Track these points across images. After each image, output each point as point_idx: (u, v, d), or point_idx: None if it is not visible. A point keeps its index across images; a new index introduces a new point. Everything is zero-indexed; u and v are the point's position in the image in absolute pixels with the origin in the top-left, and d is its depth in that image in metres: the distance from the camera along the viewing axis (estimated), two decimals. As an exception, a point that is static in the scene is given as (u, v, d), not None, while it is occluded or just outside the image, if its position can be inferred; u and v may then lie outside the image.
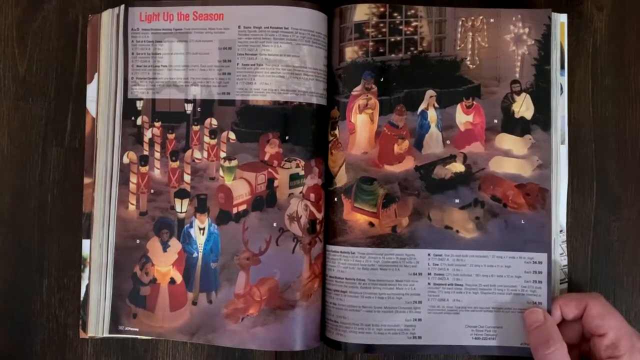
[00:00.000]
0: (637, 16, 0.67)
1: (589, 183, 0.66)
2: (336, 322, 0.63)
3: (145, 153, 0.66)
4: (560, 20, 0.65)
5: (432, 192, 0.64)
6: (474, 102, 0.64)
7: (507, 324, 0.62)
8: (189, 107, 0.66)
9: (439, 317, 0.63)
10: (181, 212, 0.65)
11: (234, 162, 0.65)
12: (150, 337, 0.65)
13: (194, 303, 0.64)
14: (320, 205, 0.65)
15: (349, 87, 0.65)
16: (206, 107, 0.65)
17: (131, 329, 0.65)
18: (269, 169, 0.64)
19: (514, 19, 0.64)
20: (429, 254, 0.63)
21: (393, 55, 0.65)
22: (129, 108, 0.66)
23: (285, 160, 0.64)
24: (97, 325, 0.65)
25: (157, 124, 0.66)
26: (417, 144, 0.65)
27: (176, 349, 0.67)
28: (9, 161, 0.69)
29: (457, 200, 0.64)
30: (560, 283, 0.64)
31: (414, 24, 0.65)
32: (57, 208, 0.68)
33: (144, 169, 0.66)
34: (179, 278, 0.65)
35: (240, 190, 0.65)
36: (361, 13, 0.65)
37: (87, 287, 0.66)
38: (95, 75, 0.67)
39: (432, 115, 0.65)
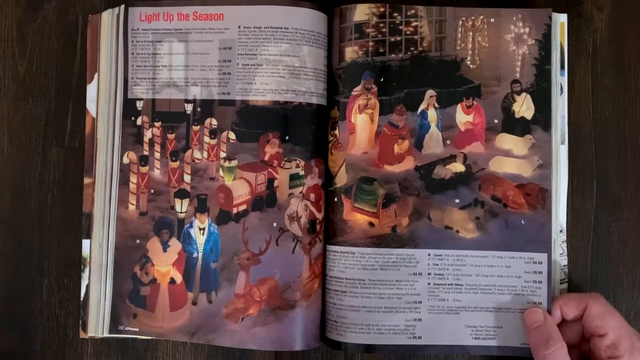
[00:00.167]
0: (637, 16, 0.67)
1: (589, 183, 0.66)
2: (336, 322, 0.63)
3: (145, 153, 0.66)
4: (560, 20, 0.65)
5: (432, 192, 0.64)
6: (474, 102, 0.64)
7: (507, 324, 0.62)
8: (189, 107, 0.66)
9: (439, 317, 0.63)
10: (181, 212, 0.65)
11: (234, 162, 0.65)
12: (150, 337, 0.65)
13: (194, 303, 0.64)
14: (320, 205, 0.65)
15: (349, 87, 0.65)
16: (206, 107, 0.65)
17: (131, 329, 0.65)
18: (269, 169, 0.64)
19: (514, 18, 0.64)
20: (429, 254, 0.63)
21: (393, 55, 0.65)
22: (129, 108, 0.66)
23: (285, 160, 0.64)
24: (97, 325, 0.65)
25: (157, 124, 0.66)
26: (417, 144, 0.65)
27: (176, 349, 0.67)
28: (9, 161, 0.69)
29: (457, 200, 0.64)
30: (560, 283, 0.64)
31: (414, 24, 0.65)
32: (57, 208, 0.68)
33: (144, 169, 0.66)
34: (179, 278, 0.65)
35: (240, 190, 0.65)
36: (361, 13, 0.65)
37: (87, 287, 0.66)
38: (95, 75, 0.67)
39: (432, 115, 0.65)
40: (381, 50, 0.65)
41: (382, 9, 0.65)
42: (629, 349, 0.56)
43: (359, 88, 0.65)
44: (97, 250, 0.66)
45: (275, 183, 0.64)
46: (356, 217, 0.64)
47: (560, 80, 0.64)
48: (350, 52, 0.65)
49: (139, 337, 0.65)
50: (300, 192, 0.64)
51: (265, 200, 0.64)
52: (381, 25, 0.65)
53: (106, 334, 0.65)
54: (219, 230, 0.65)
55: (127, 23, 0.66)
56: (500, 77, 0.64)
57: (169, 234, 0.65)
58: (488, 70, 0.65)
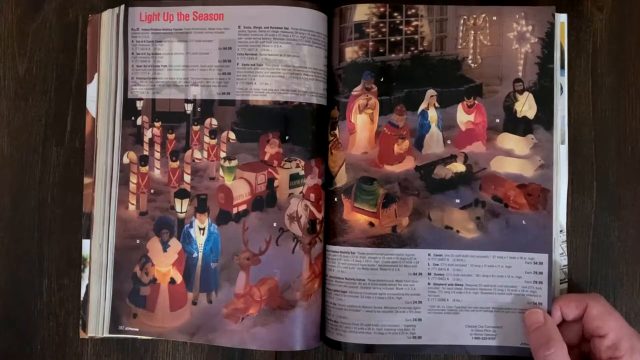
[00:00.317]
0: (637, 16, 0.67)
1: (589, 183, 0.66)
2: (336, 322, 0.63)
3: (145, 153, 0.66)
4: (560, 20, 0.65)
5: (432, 192, 0.64)
6: (476, 102, 0.64)
7: (507, 324, 0.62)
8: (189, 107, 0.66)
9: (439, 317, 0.63)
10: (181, 212, 0.65)
11: (234, 162, 0.65)
12: (150, 337, 0.65)
13: (194, 303, 0.64)
14: (320, 205, 0.65)
15: (349, 87, 0.65)
16: (206, 107, 0.65)
17: (131, 329, 0.65)
18: (269, 169, 0.64)
19: (517, 16, 0.64)
20: (429, 254, 0.63)
21: (393, 55, 0.65)
22: (129, 108, 0.66)
23: (285, 160, 0.64)
24: (97, 325, 0.65)
25: (157, 124, 0.66)
26: (418, 144, 0.65)
27: (176, 349, 0.67)
28: (9, 161, 0.69)
29: (457, 201, 0.64)
30: (560, 283, 0.64)
31: (414, 23, 0.65)
32: (57, 208, 0.68)
33: (144, 169, 0.66)
34: (179, 278, 0.65)
35: (240, 190, 0.65)
36: (361, 13, 0.65)
37: (87, 287, 0.66)
38: (95, 75, 0.67)
39: (432, 115, 0.65)
40: (381, 50, 0.65)
41: (382, 9, 0.65)
42: (629, 350, 0.56)
43: (359, 88, 0.64)
44: (97, 250, 0.66)
45: (275, 183, 0.64)
46: (356, 217, 0.64)
47: (560, 80, 0.64)
48: (350, 52, 0.65)
49: (139, 337, 0.65)
50: (300, 192, 0.64)
51: (265, 200, 0.64)
52: (381, 25, 0.65)
53: (106, 334, 0.65)
54: (219, 230, 0.64)
55: (127, 23, 0.66)
56: (502, 76, 0.64)
57: (169, 234, 0.65)
58: (490, 69, 0.64)
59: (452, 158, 0.64)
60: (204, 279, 0.64)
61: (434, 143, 0.65)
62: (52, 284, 0.68)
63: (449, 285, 0.63)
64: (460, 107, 0.65)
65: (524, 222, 0.63)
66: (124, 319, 0.65)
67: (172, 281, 0.65)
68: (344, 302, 0.63)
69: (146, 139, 0.66)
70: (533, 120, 0.64)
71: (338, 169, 0.65)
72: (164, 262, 0.65)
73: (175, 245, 0.65)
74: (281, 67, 0.64)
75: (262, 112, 0.64)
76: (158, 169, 0.66)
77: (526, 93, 0.64)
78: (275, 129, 0.64)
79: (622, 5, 0.67)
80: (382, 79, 0.64)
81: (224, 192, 0.65)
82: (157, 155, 0.66)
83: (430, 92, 0.65)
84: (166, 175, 0.66)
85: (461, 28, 0.65)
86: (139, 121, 0.66)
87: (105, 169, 0.66)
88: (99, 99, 0.67)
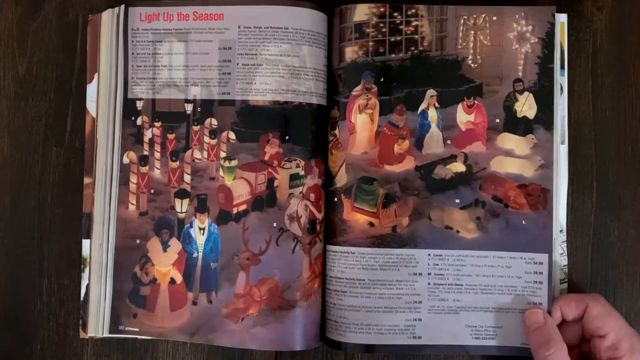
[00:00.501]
0: (637, 16, 0.67)
1: (589, 183, 0.66)
2: (336, 322, 0.63)
3: (145, 153, 0.66)
4: (560, 20, 0.65)
5: (432, 192, 0.64)
6: (476, 102, 0.64)
7: (507, 324, 0.62)
8: (189, 107, 0.66)
9: (439, 317, 0.63)
10: (181, 212, 0.65)
11: (234, 162, 0.65)
12: (150, 337, 0.65)
13: (194, 303, 0.64)
14: (320, 205, 0.65)
15: (349, 87, 0.65)
16: (206, 107, 0.65)
17: (131, 329, 0.65)
18: (269, 169, 0.64)
19: (517, 16, 0.64)
20: (429, 254, 0.63)
21: (393, 55, 0.65)
22: (129, 108, 0.66)
23: (285, 160, 0.64)
24: (97, 325, 0.65)
25: (157, 124, 0.66)
26: (418, 144, 0.65)
27: (176, 349, 0.67)
28: (9, 161, 0.69)
29: (457, 201, 0.64)
30: (560, 283, 0.64)
31: (414, 23, 0.65)
32: (57, 208, 0.68)
33: (144, 169, 0.66)
34: (179, 278, 0.65)
35: (240, 190, 0.65)
36: (361, 13, 0.65)
37: (87, 287, 0.66)
38: (95, 75, 0.67)
39: (432, 115, 0.65)
40: (381, 50, 0.65)
41: (382, 9, 0.65)
42: (629, 350, 0.56)
43: (359, 88, 0.64)
44: (97, 250, 0.66)
45: (275, 183, 0.64)
46: (356, 217, 0.64)
47: (560, 80, 0.64)
48: (350, 52, 0.65)
49: (139, 337, 0.65)
50: (300, 192, 0.64)
51: (265, 200, 0.64)
52: (381, 25, 0.65)
53: (106, 334, 0.65)
54: (219, 230, 0.64)
55: (127, 23, 0.66)
56: (503, 76, 0.64)
57: (169, 234, 0.65)
58: (490, 69, 0.64)
59: (452, 158, 0.64)
60: (204, 279, 0.64)
61: (434, 143, 0.65)
62: (52, 284, 0.68)
63: (449, 285, 0.63)
64: (460, 107, 0.65)
65: (524, 222, 0.63)
66: (124, 319, 0.65)
67: (172, 281, 0.65)
68: (344, 302, 0.63)
69: (146, 139, 0.66)
70: (533, 120, 0.64)
71: (338, 169, 0.65)
72: (164, 262, 0.65)
73: (175, 245, 0.65)
74: (281, 67, 0.64)
75: (262, 112, 0.64)
76: (158, 169, 0.66)
77: (526, 93, 0.64)
78: (275, 129, 0.64)
79: (622, 5, 0.67)
80: (382, 79, 0.64)
81: (224, 192, 0.65)
82: (157, 155, 0.66)
83: (430, 92, 0.65)
84: (166, 175, 0.66)
85: (461, 28, 0.65)
86: (139, 121, 0.66)
87: (105, 169, 0.66)
88: (99, 99, 0.67)
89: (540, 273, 0.62)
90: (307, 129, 0.64)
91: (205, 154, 0.65)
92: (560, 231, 0.64)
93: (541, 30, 0.64)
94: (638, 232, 0.65)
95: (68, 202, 0.68)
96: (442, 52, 0.65)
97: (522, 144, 0.64)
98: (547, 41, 0.64)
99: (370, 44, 0.65)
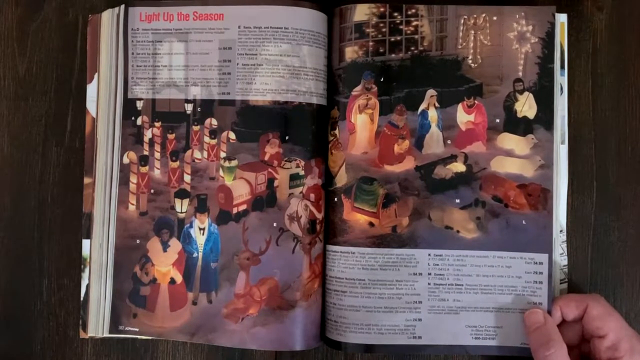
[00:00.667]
0: (637, 16, 0.67)
1: (589, 183, 0.66)
2: (336, 322, 0.63)
3: (145, 153, 0.66)
4: (560, 20, 0.65)
5: (432, 192, 0.64)
6: (476, 102, 0.64)
7: (507, 324, 0.62)
8: (189, 107, 0.66)
9: (439, 317, 0.63)
10: (181, 212, 0.65)
11: (234, 162, 0.65)
12: (150, 337, 0.65)
13: (194, 303, 0.64)
14: (320, 205, 0.65)
15: (349, 87, 0.65)
16: (206, 107, 0.65)
17: (131, 329, 0.65)
18: (269, 169, 0.64)
19: (517, 16, 0.64)
20: (429, 254, 0.63)
21: (393, 55, 0.65)
22: (129, 108, 0.66)
23: (285, 160, 0.64)
24: (97, 325, 0.65)
25: (157, 124, 0.66)
26: (418, 144, 0.65)
27: (176, 349, 0.67)
28: (9, 161, 0.69)
29: (457, 201, 0.64)
30: (560, 283, 0.64)
31: (414, 23, 0.65)
32: (57, 208, 0.68)
33: (144, 169, 0.66)
34: (179, 278, 0.65)
35: (240, 190, 0.65)
36: (361, 13, 0.65)
37: (87, 287, 0.66)
38: (95, 75, 0.67)
39: (432, 115, 0.65)
40: (381, 50, 0.65)
41: (382, 9, 0.65)
42: (628, 351, 0.56)
43: (359, 88, 0.64)
44: (97, 250, 0.66)
45: (275, 183, 0.64)
46: (356, 217, 0.64)
47: (560, 80, 0.64)
48: (350, 52, 0.65)
49: (139, 337, 0.65)
50: (300, 192, 0.64)
51: (265, 200, 0.64)
52: (381, 25, 0.65)
53: (106, 334, 0.65)
54: (219, 230, 0.64)
55: (127, 23, 0.66)
56: (503, 76, 0.64)
57: (169, 234, 0.65)
58: (490, 69, 0.64)
59: (452, 158, 0.64)
60: (204, 279, 0.64)
61: (434, 143, 0.65)
62: (52, 284, 0.68)
63: (449, 285, 0.63)
64: (460, 107, 0.65)
65: (524, 222, 0.63)
66: (124, 319, 0.65)
67: (172, 281, 0.65)
68: (344, 302, 0.63)
69: (146, 139, 0.66)
70: (533, 120, 0.64)
71: (338, 169, 0.65)
72: (164, 262, 0.65)
73: (175, 245, 0.65)
74: (281, 67, 0.64)
75: (262, 112, 0.64)
76: (158, 169, 0.66)
77: (526, 93, 0.64)
78: (275, 129, 0.64)
79: (622, 5, 0.67)
80: (382, 79, 0.64)
81: (224, 192, 0.65)
82: (157, 155, 0.66)
83: (430, 92, 0.65)
84: (166, 175, 0.66)
85: (461, 28, 0.65)
86: (139, 121, 0.66)
87: (105, 169, 0.66)
88: (99, 99, 0.67)
89: (540, 273, 0.62)
90: (307, 129, 0.64)
91: (205, 154, 0.65)
92: (560, 231, 0.64)
93: (541, 30, 0.64)
94: (638, 232, 0.65)
95: (68, 202, 0.68)
96: (442, 52, 0.65)
97: (522, 144, 0.64)
98: (547, 41, 0.64)
99: (370, 44, 0.65)
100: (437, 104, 0.65)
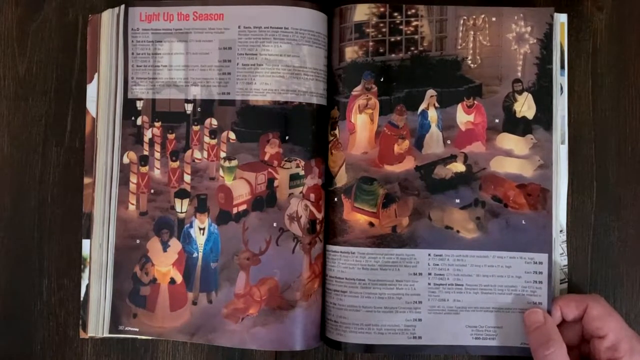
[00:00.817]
0: (637, 16, 0.67)
1: (589, 183, 0.66)
2: (336, 322, 0.63)
3: (145, 153, 0.66)
4: (560, 20, 0.65)
5: (432, 192, 0.64)
6: (475, 102, 0.64)
7: (507, 324, 0.62)
8: (189, 107, 0.66)
9: (439, 317, 0.63)
10: (181, 212, 0.65)
11: (234, 162, 0.65)
12: (150, 337, 0.65)
13: (194, 303, 0.64)
14: (320, 205, 0.65)
15: (349, 87, 0.65)
16: (206, 107, 0.65)
17: (131, 329, 0.65)
18: (269, 169, 0.64)
19: (516, 17, 0.64)
20: (429, 254, 0.63)
21: (393, 55, 0.65)
22: (129, 108, 0.66)
23: (285, 160, 0.64)
24: (97, 325, 0.65)
25: (157, 124, 0.66)
26: (418, 144, 0.65)
27: (176, 349, 0.67)
28: (9, 161, 0.69)
29: (457, 200, 0.64)
30: (560, 283, 0.64)
31: (414, 23, 0.65)
32: (57, 208, 0.68)
33: (144, 169, 0.66)
34: (179, 278, 0.65)
35: (240, 190, 0.65)
36: (361, 13, 0.65)
37: (87, 287, 0.66)
38: (95, 75, 0.67)
39: (432, 115, 0.65)
40: (381, 50, 0.65)
41: (382, 9, 0.65)
42: (628, 351, 0.56)
43: (359, 88, 0.65)
44: (97, 250, 0.66)
45: (275, 183, 0.64)
46: (356, 217, 0.64)
47: (560, 80, 0.64)
48: (350, 52, 0.65)
49: (139, 337, 0.65)
50: (300, 192, 0.64)
51: (265, 200, 0.64)
52: (381, 25, 0.65)
53: (106, 334, 0.65)
54: (219, 230, 0.64)
55: (127, 23, 0.66)
56: (502, 77, 0.64)
57: (169, 234, 0.65)
58: (489, 69, 0.64)
59: (452, 158, 0.64)
60: (204, 279, 0.64)
61: (434, 143, 0.65)
62: (52, 284, 0.68)
63: (449, 285, 0.63)
64: (460, 107, 0.65)
65: (523, 222, 0.63)
66: (124, 319, 0.65)
67: (172, 281, 0.65)
68: (344, 302, 0.63)
69: (146, 139, 0.66)
70: (532, 121, 0.64)
71: (338, 169, 0.65)
72: (164, 262, 0.65)
73: (175, 245, 0.65)
74: (281, 67, 0.64)
75: (262, 112, 0.64)
76: (158, 169, 0.66)
77: (525, 93, 0.64)
78: (275, 129, 0.64)
79: (622, 5, 0.67)
80: (382, 79, 0.64)
81: (224, 192, 0.65)
82: (157, 155, 0.66)
83: (430, 92, 0.65)
84: (166, 175, 0.66)
85: (461, 28, 0.65)
86: (139, 121, 0.66)
87: (105, 169, 0.66)
88: (99, 99, 0.67)
89: (540, 273, 0.62)
90: (307, 129, 0.64)
91: (205, 154, 0.66)
92: (560, 231, 0.64)
93: (540, 31, 0.64)
94: (638, 232, 0.65)
95: (68, 202, 0.68)
96: (442, 52, 0.65)
97: (522, 144, 0.64)
98: (546, 42, 0.64)
99: (370, 44, 0.65)
100: (437, 104, 0.65)
